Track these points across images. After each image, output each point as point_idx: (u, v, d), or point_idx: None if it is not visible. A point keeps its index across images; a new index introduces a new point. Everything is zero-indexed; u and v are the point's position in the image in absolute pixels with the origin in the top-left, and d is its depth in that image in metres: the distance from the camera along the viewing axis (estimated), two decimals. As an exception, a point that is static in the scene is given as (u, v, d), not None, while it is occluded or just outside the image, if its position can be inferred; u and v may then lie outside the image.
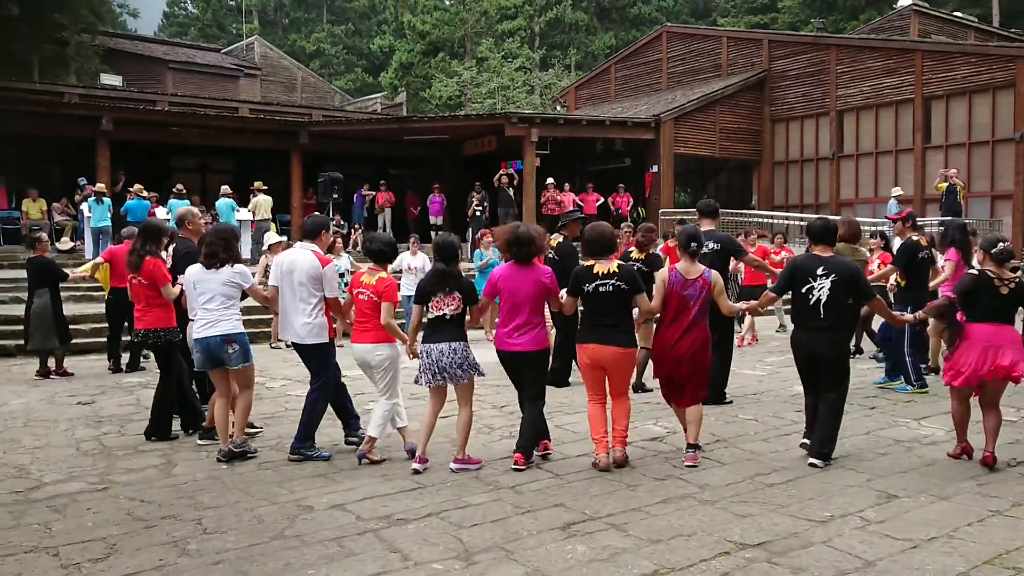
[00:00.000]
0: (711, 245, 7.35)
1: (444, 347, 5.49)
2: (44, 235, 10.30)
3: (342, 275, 10.35)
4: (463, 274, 5.74)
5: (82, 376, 9.56)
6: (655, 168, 23.42)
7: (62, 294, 10.04)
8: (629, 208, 22.09)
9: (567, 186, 21.19)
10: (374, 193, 21.45)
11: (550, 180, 20.54)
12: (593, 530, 4.40)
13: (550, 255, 8.33)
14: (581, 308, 5.79)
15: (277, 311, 6.11)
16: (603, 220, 8.49)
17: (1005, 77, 20.06)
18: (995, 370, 5.42)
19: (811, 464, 5.51)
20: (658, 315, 5.92)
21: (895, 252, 8.69)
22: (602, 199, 21.49)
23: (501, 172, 20.19)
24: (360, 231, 19.30)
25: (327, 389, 6.06)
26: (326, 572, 3.91)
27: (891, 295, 8.61)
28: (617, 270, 5.52)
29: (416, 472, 5.45)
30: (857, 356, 10.15)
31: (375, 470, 5.61)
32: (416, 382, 5.68)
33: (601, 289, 5.50)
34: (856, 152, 23.32)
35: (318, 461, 5.80)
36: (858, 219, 10.60)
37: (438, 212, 21.73)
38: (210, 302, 5.87)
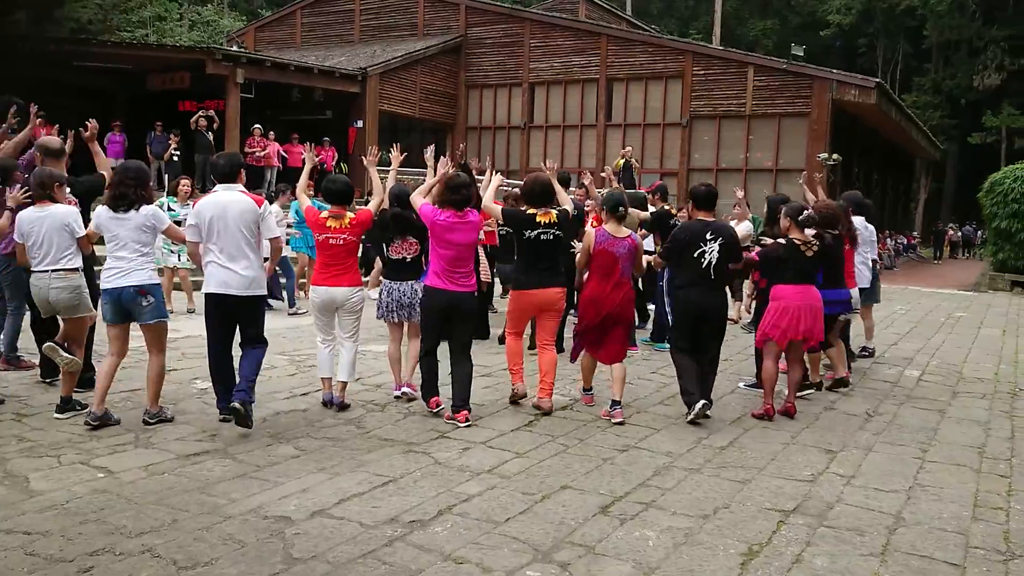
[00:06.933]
0: None
1: (406, 287, 6.02)
2: None
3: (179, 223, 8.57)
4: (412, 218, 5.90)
5: None
6: (359, 123, 22.70)
7: None
8: (334, 163, 21.16)
9: (272, 135, 19.64)
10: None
11: (257, 127, 18.85)
12: (634, 512, 4.13)
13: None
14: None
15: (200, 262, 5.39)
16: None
17: (676, 68, 22.70)
18: (800, 332, 6.11)
19: (704, 405, 5.69)
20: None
21: (649, 220, 9.28)
22: (307, 152, 20.32)
23: (200, 113, 17.99)
24: None
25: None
26: (416, 599, 3.19)
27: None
28: (556, 219, 5.89)
29: (405, 396, 6.06)
30: None
31: (304, 464, 4.71)
32: (378, 317, 6.19)
33: (543, 237, 5.84)
34: (545, 124, 24.83)
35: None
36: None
37: (119, 154, 18.55)
38: (121, 249, 5.21)
